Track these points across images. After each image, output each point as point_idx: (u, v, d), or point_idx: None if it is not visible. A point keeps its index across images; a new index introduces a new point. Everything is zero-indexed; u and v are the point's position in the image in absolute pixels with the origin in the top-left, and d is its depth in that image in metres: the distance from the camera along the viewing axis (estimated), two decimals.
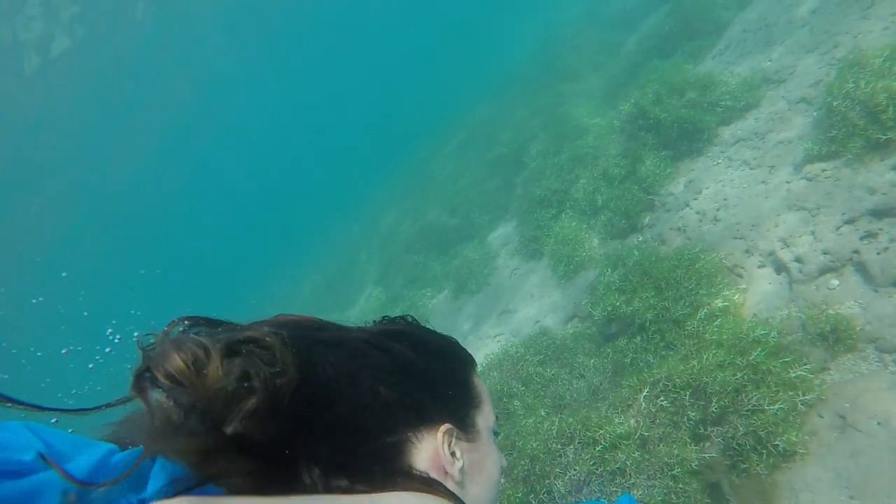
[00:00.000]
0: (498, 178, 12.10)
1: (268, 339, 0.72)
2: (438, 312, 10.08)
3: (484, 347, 8.03)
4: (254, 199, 47.31)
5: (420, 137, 23.30)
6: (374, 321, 1.06)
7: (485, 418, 1.06)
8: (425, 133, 22.98)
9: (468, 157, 15.67)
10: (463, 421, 1.00)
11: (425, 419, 0.92)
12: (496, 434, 1.13)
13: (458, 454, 0.93)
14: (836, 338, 3.74)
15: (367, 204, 21.57)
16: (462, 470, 0.92)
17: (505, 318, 8.34)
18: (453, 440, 0.94)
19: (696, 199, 6.22)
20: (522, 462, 4.27)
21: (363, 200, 22.76)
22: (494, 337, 8.14)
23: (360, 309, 13.72)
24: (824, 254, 4.41)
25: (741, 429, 3.48)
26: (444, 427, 0.93)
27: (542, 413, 4.92)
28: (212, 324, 0.78)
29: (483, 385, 1.15)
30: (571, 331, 6.52)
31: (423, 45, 46.12)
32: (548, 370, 5.99)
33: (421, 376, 0.96)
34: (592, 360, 5.57)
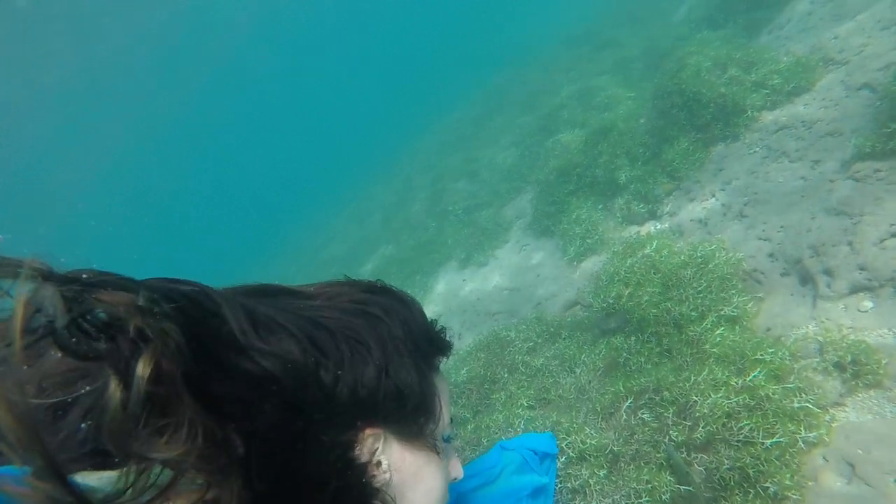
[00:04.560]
0: (521, 147, 11.48)
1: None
2: (442, 282, 9.70)
3: (481, 324, 7.67)
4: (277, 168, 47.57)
5: (454, 100, 22.77)
6: (330, 279, 0.91)
7: (437, 420, 0.87)
8: (460, 96, 22.42)
9: (494, 123, 15.03)
10: (403, 425, 0.81)
11: (357, 416, 0.74)
12: (449, 441, 0.90)
13: (384, 465, 0.77)
14: (856, 370, 3.18)
15: (392, 163, 21.22)
16: (388, 484, 0.77)
17: (507, 297, 7.91)
18: (381, 447, 0.76)
19: (723, 191, 5.55)
20: None
21: (389, 159, 22.43)
22: (493, 314, 7.74)
23: (371, 267, 13.46)
24: (860, 269, 3.78)
25: (727, 462, 3.01)
26: (370, 431, 0.75)
27: (519, 411, 4.52)
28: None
29: (444, 380, 0.91)
30: (569, 319, 6.05)
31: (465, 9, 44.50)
32: (537, 360, 5.56)
33: (380, 357, 0.78)
34: (584, 356, 5.11)
